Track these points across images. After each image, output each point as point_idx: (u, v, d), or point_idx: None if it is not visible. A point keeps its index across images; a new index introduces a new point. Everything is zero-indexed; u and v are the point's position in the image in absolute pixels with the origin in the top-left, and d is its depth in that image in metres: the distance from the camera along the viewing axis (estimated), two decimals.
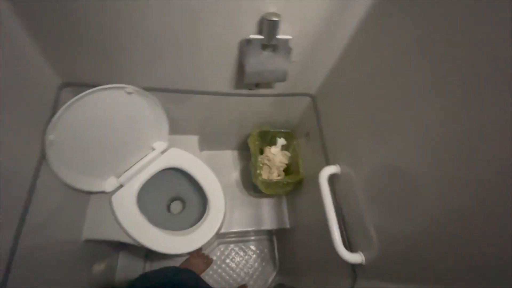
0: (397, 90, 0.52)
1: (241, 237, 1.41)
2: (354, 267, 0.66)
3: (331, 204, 0.68)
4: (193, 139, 1.15)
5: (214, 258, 1.35)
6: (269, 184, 1.02)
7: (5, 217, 0.56)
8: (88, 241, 0.90)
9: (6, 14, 0.55)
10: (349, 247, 0.69)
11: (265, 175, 1.14)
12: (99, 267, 1.04)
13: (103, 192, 0.93)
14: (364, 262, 0.62)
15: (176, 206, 1.22)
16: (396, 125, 0.53)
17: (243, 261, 1.37)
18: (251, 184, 1.30)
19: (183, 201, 1.22)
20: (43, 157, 0.69)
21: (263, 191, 1.04)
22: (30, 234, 0.62)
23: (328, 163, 0.81)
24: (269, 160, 1.15)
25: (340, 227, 0.66)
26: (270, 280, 1.35)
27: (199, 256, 1.26)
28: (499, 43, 0.34)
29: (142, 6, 0.56)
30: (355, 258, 0.62)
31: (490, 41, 0.35)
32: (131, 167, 0.98)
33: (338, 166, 0.74)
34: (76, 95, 0.75)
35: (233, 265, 1.35)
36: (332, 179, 0.76)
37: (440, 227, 0.42)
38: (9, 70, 0.57)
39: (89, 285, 0.94)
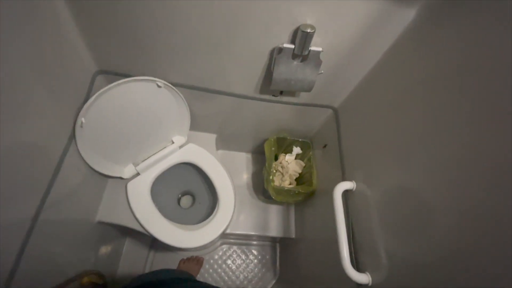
0: (424, 115, 0.52)
1: (244, 240, 1.41)
2: (359, 286, 0.65)
3: (342, 220, 0.67)
4: (211, 138, 1.17)
5: (216, 257, 1.36)
6: (281, 191, 1.02)
7: (32, 187, 0.60)
8: (100, 223, 0.94)
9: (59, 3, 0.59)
10: (356, 266, 0.68)
11: (277, 181, 1.14)
12: (105, 250, 1.07)
13: (120, 178, 0.97)
14: (370, 284, 0.61)
15: (186, 201, 1.24)
16: (418, 150, 0.52)
17: (244, 265, 1.37)
18: (261, 188, 1.30)
19: (193, 196, 1.24)
20: (72, 137, 0.72)
21: (273, 197, 1.04)
22: (51, 207, 0.65)
23: (343, 177, 0.80)
24: (282, 168, 1.16)
25: (349, 245, 0.66)
26: (268, 287, 1.34)
27: (188, 259, 1.27)
28: None
29: (184, 4, 0.59)
30: (362, 278, 0.61)
31: None
32: (149, 157, 1.01)
33: (354, 182, 0.73)
34: (108, 82, 0.80)
35: (234, 267, 1.36)
36: (345, 194, 0.75)
37: (454, 261, 0.41)
38: (54, 52, 0.61)
39: (94, 266, 0.97)
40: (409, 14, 0.57)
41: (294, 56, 0.66)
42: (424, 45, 0.55)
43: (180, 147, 1.06)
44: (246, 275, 1.35)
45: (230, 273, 1.34)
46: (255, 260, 1.38)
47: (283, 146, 1.18)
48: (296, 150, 1.17)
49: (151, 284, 0.67)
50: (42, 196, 0.62)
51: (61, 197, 0.70)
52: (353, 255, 0.69)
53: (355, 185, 0.73)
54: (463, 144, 0.42)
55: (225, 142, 1.27)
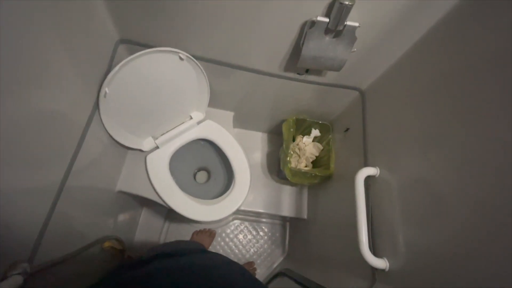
0: (458, 105, 0.49)
1: (256, 216, 1.44)
2: (374, 271, 0.65)
3: (363, 205, 0.66)
4: (229, 115, 1.16)
5: (228, 231, 1.40)
6: (297, 173, 1.02)
7: (59, 155, 0.61)
8: (120, 192, 0.97)
9: None
10: (373, 251, 0.68)
11: (293, 163, 1.13)
12: (124, 217, 1.12)
13: (140, 150, 0.98)
14: (387, 269, 0.61)
15: (201, 176, 1.26)
16: (447, 140, 0.50)
17: (254, 240, 1.41)
18: (275, 168, 1.30)
19: (208, 172, 1.25)
20: (96, 107, 0.72)
21: (289, 178, 1.04)
22: (76, 175, 0.67)
23: (366, 163, 0.78)
24: (300, 149, 1.14)
25: (368, 230, 0.65)
26: (276, 263, 1.39)
27: (201, 232, 1.31)
28: None
29: None
30: (380, 263, 0.61)
31: None
32: (168, 131, 1.01)
33: (377, 168, 0.71)
34: (130, 52, 0.78)
35: (244, 242, 1.40)
36: (366, 180, 0.74)
37: (471, 254, 0.41)
38: (77, 18, 0.59)
39: (113, 232, 1.02)
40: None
41: (327, 31, 0.62)
42: (465, 33, 0.50)
43: (198, 123, 1.06)
44: (256, 250, 1.40)
45: (241, 246, 1.39)
46: (265, 237, 1.42)
47: (302, 127, 1.16)
48: (315, 132, 1.14)
49: (166, 255, 0.70)
50: (69, 163, 0.64)
51: (85, 165, 0.72)
52: (370, 240, 0.69)
53: (378, 171, 0.71)
54: (490, 139, 0.40)
55: (242, 120, 1.25)
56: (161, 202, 0.95)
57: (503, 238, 0.36)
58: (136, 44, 0.79)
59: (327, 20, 0.59)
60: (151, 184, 0.95)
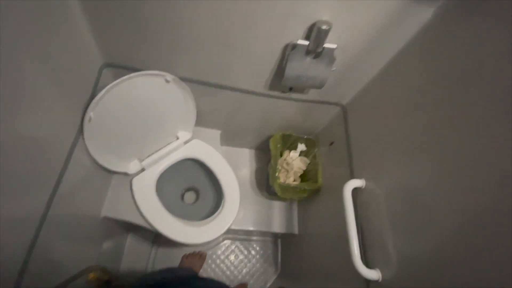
0: (434, 115, 0.52)
1: (247, 235, 1.41)
2: (368, 283, 0.66)
3: (352, 217, 0.68)
4: (216, 133, 1.16)
5: (219, 252, 1.37)
6: (287, 188, 1.03)
7: (43, 182, 0.59)
8: (105, 218, 0.93)
9: None
10: (366, 262, 0.68)
11: (281, 178, 1.14)
12: (109, 245, 1.06)
13: (125, 174, 0.96)
14: (380, 280, 0.62)
15: (190, 196, 1.24)
16: (427, 149, 0.53)
17: (246, 260, 1.38)
18: (264, 184, 1.31)
19: (197, 192, 1.23)
20: (80, 132, 0.71)
21: (278, 194, 1.04)
22: (59, 202, 0.64)
23: (352, 175, 0.81)
24: (287, 164, 1.16)
25: (358, 241, 0.66)
26: (270, 282, 1.36)
27: (191, 255, 1.27)
28: None
29: (195, 1, 0.58)
30: (372, 274, 0.62)
31: None
32: (154, 152, 1.00)
33: (363, 180, 0.73)
34: (115, 75, 0.78)
35: (236, 262, 1.36)
36: (354, 192, 0.76)
37: (461, 257, 0.42)
38: (62, 44, 0.59)
39: (98, 261, 0.96)
40: (426, 14, 0.57)
41: (308, 52, 0.65)
42: (439, 45, 0.55)
43: (185, 143, 1.05)
44: (248, 270, 1.36)
45: (232, 268, 1.35)
46: (257, 256, 1.39)
47: (288, 143, 1.18)
48: (301, 147, 1.17)
49: (155, 284, 0.67)
50: (52, 190, 0.61)
51: (69, 192, 0.69)
52: (362, 251, 0.70)
53: (364, 183, 0.73)
54: (473, 146, 0.43)
55: (229, 138, 1.26)
56: (148, 226, 0.92)
57: (491, 244, 0.38)
58: (121, 67, 0.79)
59: (307, 43, 0.63)
60: (137, 208, 0.92)
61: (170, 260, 1.27)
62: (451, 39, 0.52)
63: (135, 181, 0.95)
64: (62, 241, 0.70)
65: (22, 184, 0.52)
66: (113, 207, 0.94)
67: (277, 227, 1.25)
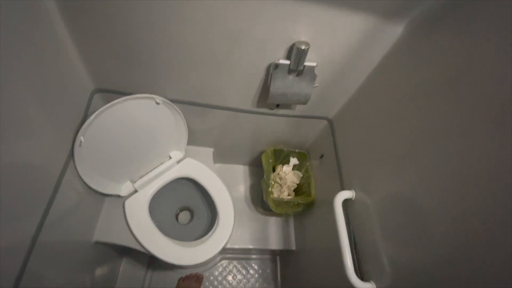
0: (418, 123, 0.54)
1: (244, 254, 1.39)
2: None
3: (344, 229, 0.68)
4: (208, 152, 1.17)
5: (216, 273, 1.33)
6: (280, 203, 1.03)
7: (32, 209, 0.59)
8: (98, 243, 0.91)
9: (57, 20, 0.58)
10: (360, 275, 0.68)
11: (275, 193, 1.15)
12: (102, 270, 1.04)
13: (117, 196, 0.95)
14: None
15: (184, 216, 1.22)
16: (413, 157, 0.54)
17: (245, 280, 1.34)
18: (259, 200, 1.30)
19: (191, 212, 1.22)
20: (70, 156, 0.72)
21: (273, 209, 1.04)
22: (49, 229, 0.64)
23: (342, 187, 0.82)
24: (280, 179, 1.16)
25: (352, 254, 0.66)
26: None
27: (188, 277, 1.24)
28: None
29: (183, 23, 0.61)
30: (367, 287, 0.61)
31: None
32: (146, 173, 1.01)
33: (353, 191, 0.74)
34: (106, 100, 0.80)
35: (234, 283, 1.33)
36: (345, 204, 0.76)
37: (456, 261, 0.42)
38: (52, 72, 0.61)
39: (91, 287, 0.93)
40: (397, 30, 0.61)
41: (290, 71, 0.69)
42: (413, 57, 0.58)
43: (178, 162, 1.06)
44: None
45: None
46: (256, 275, 1.36)
47: (280, 157, 1.19)
48: (293, 161, 1.18)
49: None
50: (41, 216, 0.61)
51: (60, 217, 0.69)
52: (356, 264, 0.69)
53: (354, 194, 0.74)
54: (457, 151, 0.44)
55: (222, 155, 1.27)
56: (142, 249, 0.90)
57: (487, 249, 0.38)
58: (112, 92, 0.81)
59: (288, 62, 0.66)
60: (130, 231, 0.91)
61: (166, 283, 1.23)
62: (421, 51, 0.56)
63: (127, 203, 0.95)
64: (52, 269, 0.69)
65: (10, 212, 0.52)
66: (105, 231, 0.93)
67: (275, 243, 1.23)
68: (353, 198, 0.74)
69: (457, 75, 0.46)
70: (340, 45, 0.66)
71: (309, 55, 0.65)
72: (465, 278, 0.41)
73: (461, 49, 0.46)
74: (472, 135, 0.42)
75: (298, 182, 1.17)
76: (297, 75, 0.70)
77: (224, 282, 1.32)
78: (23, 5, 0.49)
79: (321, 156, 1.01)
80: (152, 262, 1.28)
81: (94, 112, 0.71)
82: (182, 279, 1.23)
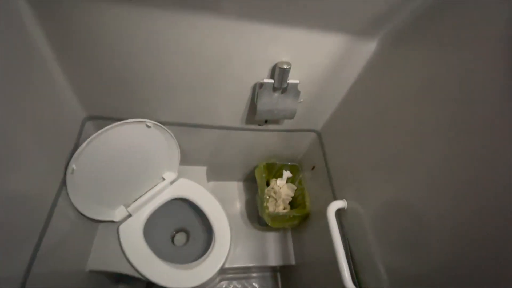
0: (402, 129, 0.56)
1: (244, 273, 1.36)
2: None
3: (339, 240, 0.69)
4: (202, 170, 1.18)
5: None
6: (276, 217, 1.03)
7: (24, 240, 0.58)
8: (92, 272, 0.89)
9: (46, 50, 0.60)
10: (358, 284, 0.68)
11: (271, 207, 1.15)
12: None
13: (111, 221, 0.94)
14: None
15: (180, 238, 1.21)
16: (402, 162, 0.56)
17: None
18: (256, 216, 1.30)
19: (187, 233, 1.21)
20: (63, 184, 0.72)
21: (269, 224, 1.04)
22: (43, 260, 0.63)
23: (335, 197, 0.83)
24: (275, 193, 1.17)
25: (348, 264, 0.66)
26: None
27: None
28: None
29: (169, 51, 0.64)
30: None
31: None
32: (140, 196, 1.00)
33: (345, 201, 0.76)
34: (98, 127, 0.81)
35: None
36: (339, 213, 0.77)
37: (451, 267, 0.43)
38: (43, 102, 0.62)
39: None
40: (371, 45, 0.65)
41: (275, 89, 0.72)
42: (388, 68, 0.62)
43: (171, 183, 1.06)
44: None
45: None
46: None
47: (273, 171, 1.21)
48: (286, 174, 1.19)
49: None
50: (34, 247, 0.60)
51: (53, 247, 0.68)
52: (354, 274, 0.69)
53: (346, 204, 0.75)
54: (445, 154, 0.45)
55: (215, 173, 1.28)
56: (138, 275, 0.88)
57: (486, 254, 0.38)
58: (103, 119, 0.83)
59: (272, 81, 0.69)
60: (125, 257, 0.89)
61: None
62: (394, 62, 0.60)
63: (121, 228, 0.94)
64: None
65: (2, 244, 0.51)
66: (99, 259, 0.91)
67: (274, 259, 1.21)
68: (345, 207, 0.76)
69: (429, 81, 0.50)
70: (319, 62, 0.70)
71: (292, 73, 0.68)
72: (464, 285, 0.41)
73: (430, 58, 0.50)
74: (460, 137, 0.42)
75: (292, 194, 1.17)
76: (282, 92, 0.73)
77: None
78: (11, 38, 0.51)
79: (313, 168, 1.03)
80: (149, 285, 1.24)
81: (86, 139, 0.73)
82: None
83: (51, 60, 0.63)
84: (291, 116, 0.81)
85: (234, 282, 1.34)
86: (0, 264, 0.51)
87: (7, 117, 0.51)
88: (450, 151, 0.44)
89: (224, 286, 1.32)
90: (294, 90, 0.72)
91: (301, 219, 1.05)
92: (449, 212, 0.44)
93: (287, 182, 1.21)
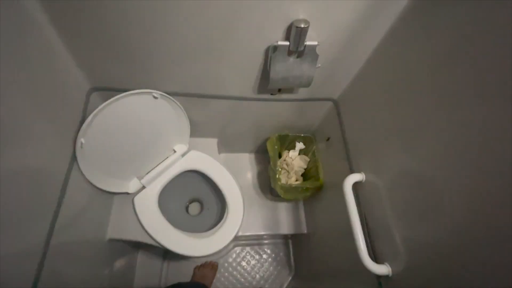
0: (425, 99, 0.51)
1: (256, 240, 1.41)
2: (379, 278, 0.65)
3: (356, 213, 0.67)
4: (213, 142, 1.16)
5: (230, 260, 1.36)
6: (288, 189, 1.02)
7: (40, 214, 0.59)
8: (111, 240, 0.93)
9: (44, 23, 0.57)
10: (374, 257, 0.67)
11: (283, 179, 1.14)
12: (119, 265, 1.07)
13: (126, 193, 0.96)
14: (390, 274, 0.60)
15: (194, 208, 1.23)
16: (423, 133, 0.52)
17: (259, 264, 1.37)
18: (268, 187, 1.30)
19: (201, 203, 1.23)
20: (74, 158, 0.71)
21: (281, 196, 1.03)
22: (61, 231, 0.65)
23: (351, 169, 0.80)
24: (287, 165, 1.15)
25: (364, 237, 0.65)
26: (285, 284, 1.35)
27: (203, 266, 1.26)
28: None
29: (173, 13, 0.57)
30: (382, 269, 0.60)
31: None
32: (153, 169, 1.00)
33: (363, 173, 0.72)
34: (103, 98, 0.78)
35: (249, 268, 1.36)
36: (355, 186, 0.74)
37: (468, 233, 0.41)
38: (46, 76, 0.60)
39: (110, 283, 0.96)
40: (401, 1, 0.56)
41: (290, 52, 0.65)
42: (419, 30, 0.54)
43: (183, 155, 1.05)
44: (262, 274, 1.35)
45: (246, 274, 1.34)
46: (269, 259, 1.38)
47: (286, 143, 1.17)
48: (299, 145, 1.16)
49: None
50: (51, 220, 0.62)
51: (70, 219, 0.69)
52: (369, 246, 0.68)
53: (364, 176, 0.72)
54: (467, 126, 0.42)
55: (227, 145, 1.26)
56: (155, 244, 0.92)
57: (501, 224, 0.36)
58: (108, 90, 0.79)
59: (287, 43, 0.62)
60: (142, 226, 0.92)
61: (182, 273, 1.27)
62: (428, 21, 0.51)
63: (136, 199, 0.96)
64: (69, 268, 0.71)
65: (19, 219, 0.52)
66: (118, 228, 0.94)
67: (286, 228, 1.23)
68: (363, 180, 0.72)
69: (469, 43, 0.42)
70: (342, 21, 0.61)
71: (310, 33, 0.60)
72: (485, 258, 0.39)
73: (473, 13, 0.42)
74: (490, 104, 0.38)
75: (305, 166, 1.15)
76: (298, 57, 0.66)
77: (238, 268, 1.35)
78: (7, 13, 0.47)
79: (328, 139, 0.98)
80: (167, 253, 1.31)
81: (92, 111, 0.70)
82: (197, 268, 1.26)
83: (51, 31, 0.59)
84: (308, 84, 0.74)
85: (247, 248, 1.40)
86: (20, 235, 0.52)
87: (12, 93, 0.49)
88: (482, 119, 0.40)
89: (238, 252, 1.38)
90: (312, 54, 0.65)
91: (314, 191, 1.04)
92: (464, 181, 0.42)
93: (299, 153, 1.18)
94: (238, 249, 1.39)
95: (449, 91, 0.46)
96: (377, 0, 0.56)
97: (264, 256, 1.39)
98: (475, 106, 0.41)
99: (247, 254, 1.38)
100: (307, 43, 0.62)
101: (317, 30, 0.62)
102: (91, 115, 0.69)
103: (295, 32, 0.58)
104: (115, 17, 0.58)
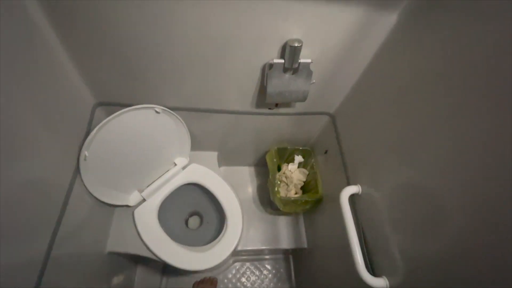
0: (420, 111, 0.53)
1: (257, 255, 1.39)
2: None
3: (352, 226, 0.67)
4: (213, 155, 1.18)
5: (230, 275, 1.34)
6: (287, 202, 1.02)
7: (42, 225, 0.60)
8: (111, 253, 0.93)
9: (52, 39, 0.60)
10: (372, 270, 0.67)
11: (282, 192, 1.14)
12: (118, 280, 1.06)
13: (126, 206, 0.97)
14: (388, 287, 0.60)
15: (194, 221, 1.23)
16: (419, 146, 0.52)
17: (259, 281, 1.34)
18: (268, 200, 1.30)
19: (201, 216, 1.23)
20: (77, 170, 0.73)
21: (281, 209, 1.04)
22: (62, 243, 0.66)
23: (348, 182, 0.80)
24: (286, 178, 1.16)
25: (362, 250, 0.65)
26: None
27: (202, 281, 1.24)
28: None
29: (174, 34, 0.61)
30: (379, 283, 0.60)
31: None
32: (153, 182, 1.02)
33: (359, 186, 0.73)
34: (108, 113, 0.81)
35: (248, 284, 1.33)
36: (353, 198, 0.75)
37: (469, 250, 0.41)
38: (54, 93, 0.63)
39: None
40: (391, 18, 0.59)
41: (285, 69, 0.68)
42: (410, 43, 0.57)
43: (183, 168, 1.07)
44: None
45: None
46: (270, 275, 1.36)
47: (285, 156, 1.19)
48: (298, 158, 1.17)
49: None
50: (52, 232, 0.63)
51: (71, 231, 0.70)
52: (367, 259, 0.68)
53: (360, 189, 0.73)
54: (464, 138, 0.42)
55: (226, 158, 1.27)
56: (154, 257, 0.92)
57: (501, 236, 0.36)
58: (112, 104, 0.83)
59: (282, 61, 0.65)
60: (141, 239, 0.92)
61: None
62: (418, 37, 0.54)
63: (136, 212, 0.97)
64: (68, 281, 0.71)
65: (21, 229, 0.53)
66: (117, 241, 0.94)
67: (286, 242, 1.22)
68: (360, 192, 0.73)
69: (458, 59, 0.45)
70: (334, 39, 0.65)
71: (303, 51, 0.64)
72: (484, 270, 0.39)
73: (459, 31, 0.45)
74: (487, 115, 0.39)
75: (304, 179, 1.16)
76: (293, 73, 0.69)
77: (238, 284, 1.32)
78: (19, 32, 0.51)
79: (326, 152, 1.00)
80: (166, 268, 1.30)
81: (97, 125, 0.73)
82: (196, 284, 1.24)
83: (58, 47, 0.62)
84: (303, 99, 0.77)
85: (247, 264, 1.37)
86: (21, 247, 0.53)
87: (18, 105, 0.52)
88: (481, 131, 0.40)
89: (237, 267, 1.36)
90: (306, 70, 0.68)
91: (314, 203, 1.04)
92: (465, 193, 0.42)
93: (298, 166, 1.19)
94: (238, 264, 1.37)
95: (444, 103, 0.46)
96: (366, 20, 0.59)
97: (265, 272, 1.36)
98: (472, 117, 0.41)
99: (247, 269, 1.36)
100: (301, 60, 0.66)
101: (310, 49, 0.65)
102: (96, 129, 0.72)
103: (289, 51, 0.62)
104: (119, 36, 0.62)
